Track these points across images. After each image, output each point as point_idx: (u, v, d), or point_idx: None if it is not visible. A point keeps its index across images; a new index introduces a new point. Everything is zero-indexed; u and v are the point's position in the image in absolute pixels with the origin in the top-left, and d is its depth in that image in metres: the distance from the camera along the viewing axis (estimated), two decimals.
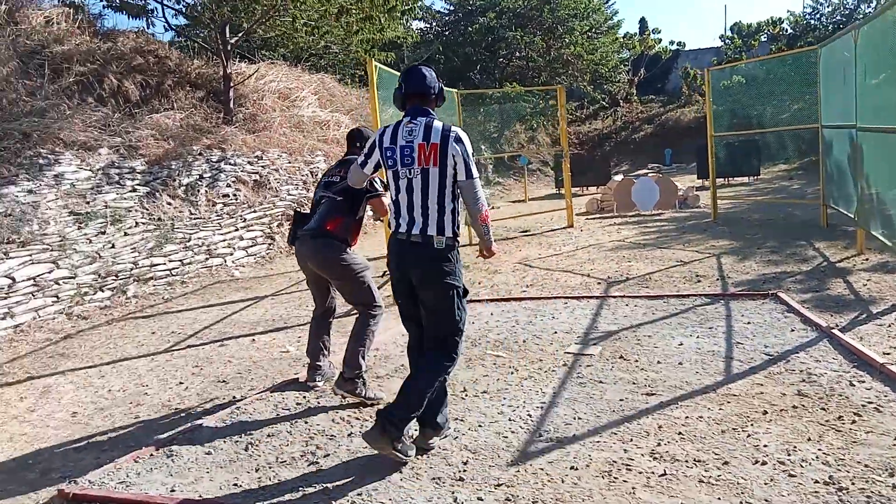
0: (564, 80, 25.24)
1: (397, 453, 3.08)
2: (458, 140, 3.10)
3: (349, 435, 3.55)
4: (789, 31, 26.86)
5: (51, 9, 10.31)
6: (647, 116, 26.97)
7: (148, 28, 11.59)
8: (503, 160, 21.96)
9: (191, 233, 8.56)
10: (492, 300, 6.42)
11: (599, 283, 6.79)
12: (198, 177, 9.14)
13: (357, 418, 3.78)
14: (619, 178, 13.86)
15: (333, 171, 4.13)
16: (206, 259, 8.73)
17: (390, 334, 5.36)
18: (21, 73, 8.52)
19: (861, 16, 24.07)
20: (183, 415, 4.07)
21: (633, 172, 21.71)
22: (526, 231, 11.14)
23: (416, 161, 3.10)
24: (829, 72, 8.33)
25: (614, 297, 6.13)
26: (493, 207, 15.85)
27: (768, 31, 27.19)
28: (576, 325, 5.35)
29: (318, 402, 4.05)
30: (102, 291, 7.13)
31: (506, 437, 3.39)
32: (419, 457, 3.23)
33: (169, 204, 8.53)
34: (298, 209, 4.22)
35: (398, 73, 8.50)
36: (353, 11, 11.25)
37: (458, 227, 3.20)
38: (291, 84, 14.42)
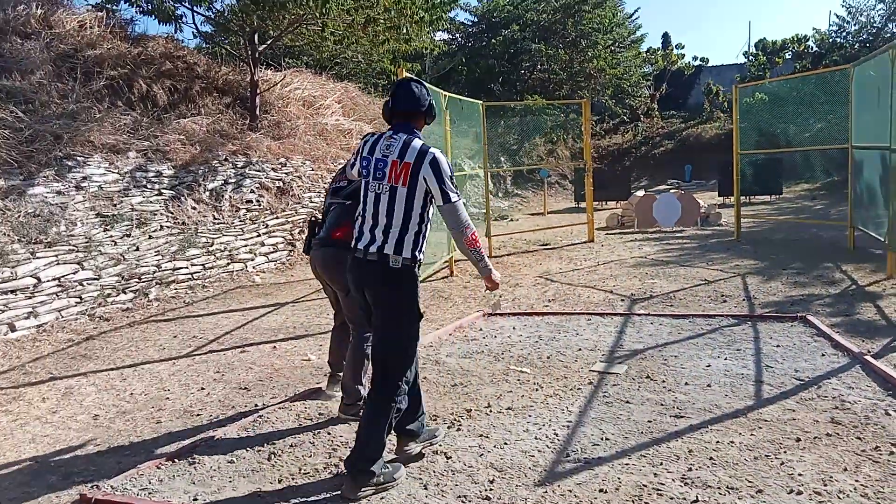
0: (586, 94, 25.20)
1: (382, 487, 3.03)
2: (434, 162, 2.97)
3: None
4: (814, 48, 26.63)
5: (85, 13, 10.46)
6: (667, 132, 26.82)
7: (177, 33, 11.69)
8: (522, 172, 21.95)
9: (214, 237, 8.60)
10: (514, 314, 6.37)
11: (623, 300, 6.71)
12: (222, 182, 9.20)
13: None
14: (640, 193, 13.77)
15: (340, 177, 4.10)
16: (228, 264, 8.76)
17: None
18: (54, 76, 8.64)
19: (889, 35, 23.80)
20: (205, 422, 4.05)
21: (652, 188, 21.59)
22: (546, 244, 11.08)
23: (387, 177, 3.03)
24: (862, 91, 8.23)
25: (639, 314, 6.05)
26: (511, 220, 15.81)
27: (793, 48, 26.98)
28: (600, 342, 5.28)
29: (340, 416, 4.02)
30: (125, 293, 7.17)
31: (532, 456, 3.34)
32: (443, 474, 3.18)
33: (194, 208, 8.58)
34: (315, 217, 4.18)
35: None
36: (381, 21, 11.30)
37: (419, 250, 3.09)
38: (316, 92, 14.53)
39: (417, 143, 3.05)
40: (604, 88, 25.28)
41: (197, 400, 4.44)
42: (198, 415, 4.16)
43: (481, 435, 3.62)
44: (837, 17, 27.21)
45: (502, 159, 22.46)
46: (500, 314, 6.37)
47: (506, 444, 3.50)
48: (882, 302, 5.99)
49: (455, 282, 8.23)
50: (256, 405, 4.26)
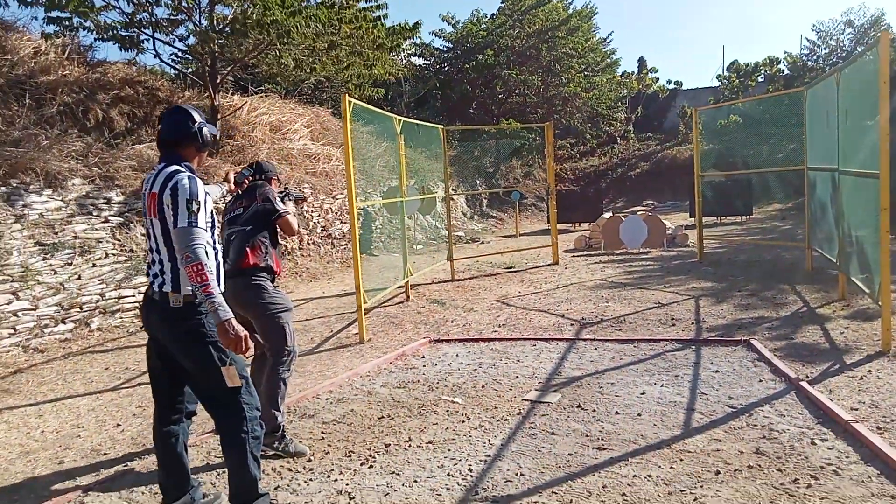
0: (561, 118, 25.37)
1: None
2: (174, 187, 2.73)
3: (276, 488, 3.34)
4: (786, 72, 27.02)
5: (39, 39, 10.36)
6: (643, 154, 27.03)
7: (138, 59, 11.61)
8: (498, 195, 21.95)
9: None
10: (460, 340, 6.23)
11: (573, 325, 6.60)
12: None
13: (289, 469, 3.57)
14: (607, 215, 13.74)
15: (235, 206, 3.99)
16: None
17: (346, 376, 5.18)
18: (1, 103, 8.50)
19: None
20: (111, 460, 3.86)
21: (628, 209, 21.64)
22: (510, 267, 10.97)
23: (147, 211, 2.86)
24: (815, 114, 8.25)
25: (584, 339, 5.93)
26: (482, 242, 15.73)
27: (765, 70, 27.36)
28: (540, 369, 5.15)
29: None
30: (64, 324, 6.96)
31: (439, 495, 3.18)
32: None
33: (143, 236, 8.40)
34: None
35: (377, 109, 8.43)
36: (343, 46, 11.29)
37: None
38: (284, 117, 14.46)
39: (168, 170, 2.82)
40: (579, 112, 25.46)
41: (109, 437, 4.24)
42: (105, 454, 3.96)
43: (393, 472, 3.46)
44: (808, 40, 27.76)
45: (478, 181, 22.49)
46: (446, 340, 6.23)
47: (416, 481, 3.34)
48: (829, 324, 5.91)
49: (410, 307, 8.09)
50: None
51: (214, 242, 2.91)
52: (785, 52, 28.83)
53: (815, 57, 27.25)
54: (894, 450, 3.28)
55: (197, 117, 2.95)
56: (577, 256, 11.90)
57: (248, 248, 3.79)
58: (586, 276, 9.52)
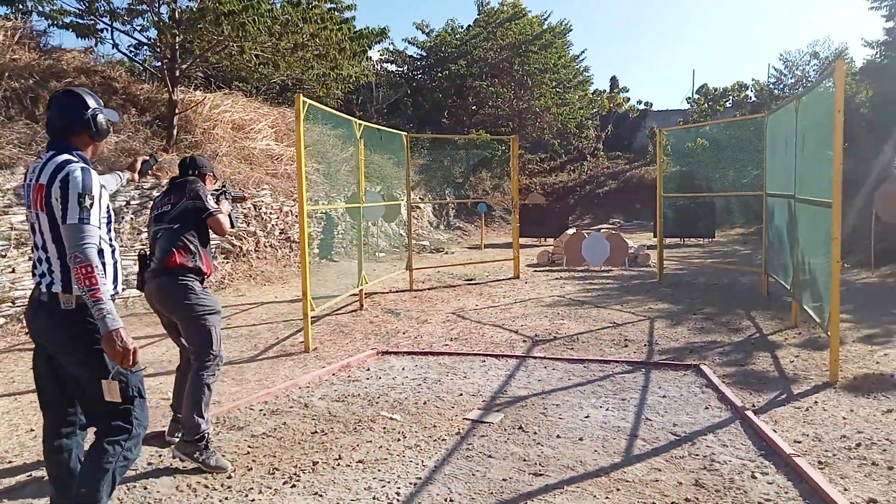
0: (532, 132, 25.45)
1: None
2: (65, 180, 2.48)
3: None
4: (753, 98, 27.56)
5: None
6: (612, 172, 27.25)
7: (96, 48, 11.25)
8: (466, 206, 21.87)
9: None
10: (408, 353, 6.05)
11: (525, 341, 6.47)
12: (124, 203, 8.70)
13: (206, 486, 3.34)
14: (570, 231, 13.72)
15: (163, 202, 3.77)
16: (125, 289, 8.23)
17: (284, 386, 4.95)
18: None
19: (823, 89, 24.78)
20: (15, 468, 3.58)
21: (594, 226, 21.73)
22: (471, 280, 10.84)
23: (33, 204, 2.59)
24: (775, 140, 8.30)
25: (535, 357, 5.80)
26: (447, 252, 15.59)
27: (734, 95, 27.88)
28: (485, 386, 4.99)
29: (173, 462, 3.61)
30: None
31: None
32: None
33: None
34: (144, 251, 3.79)
35: (335, 112, 8.23)
36: (310, 47, 11.09)
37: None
38: (248, 115, 14.15)
39: (59, 159, 2.56)
40: (550, 127, 25.56)
41: (18, 444, 3.95)
42: (10, 462, 3.68)
43: (316, 493, 3.26)
44: (775, 69, 28.36)
45: (447, 191, 22.37)
46: (394, 353, 6.04)
47: None
48: (780, 352, 5.87)
49: (363, 316, 7.88)
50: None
51: (111, 240, 2.68)
52: (753, 80, 29.42)
53: (781, 86, 27.85)
54: (833, 486, 3.19)
55: (91, 102, 2.69)
56: (539, 271, 11.82)
57: (174, 248, 3.57)
58: (545, 292, 9.43)
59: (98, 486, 2.55)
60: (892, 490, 3.23)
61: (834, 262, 4.85)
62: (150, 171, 3.59)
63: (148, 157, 3.55)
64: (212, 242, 9.84)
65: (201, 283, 3.67)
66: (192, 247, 3.62)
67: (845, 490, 3.23)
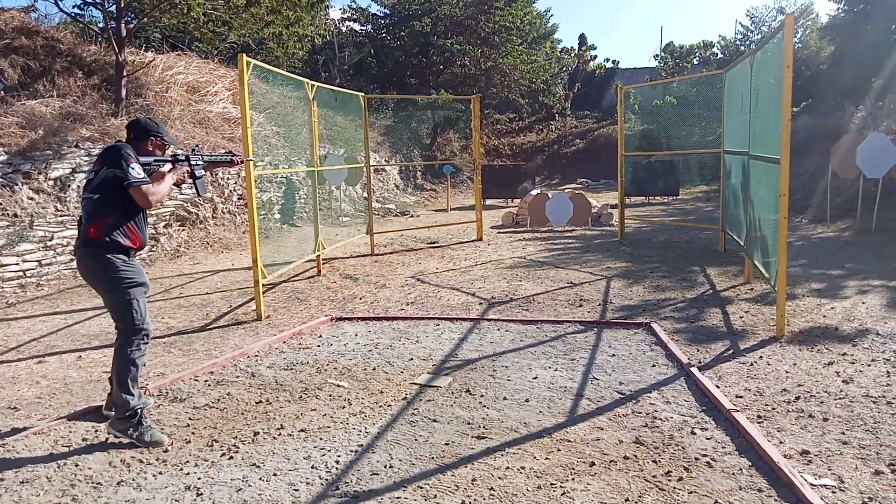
0: (499, 91, 25.15)
1: None
2: None
3: (118, 483, 3.04)
4: (720, 55, 27.54)
5: None
6: (579, 131, 27.16)
7: (37, 7, 10.70)
8: (433, 167, 21.66)
9: (55, 231, 7.82)
10: (362, 319, 5.98)
11: (481, 304, 6.44)
12: (71, 170, 8.39)
13: (140, 461, 3.26)
14: (534, 192, 13.67)
15: (92, 168, 3.56)
16: (71, 260, 7.99)
17: (231, 356, 4.86)
18: None
19: None
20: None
21: (561, 186, 21.73)
22: (434, 243, 10.77)
23: None
24: (732, 97, 8.27)
25: (489, 319, 5.78)
26: (412, 216, 15.46)
27: (700, 53, 27.82)
28: (437, 350, 4.96)
29: (109, 438, 3.51)
30: None
31: (296, 490, 2.95)
32: None
33: (31, 199, 7.77)
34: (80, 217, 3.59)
35: (281, 71, 7.96)
36: (263, 3, 10.69)
37: None
38: (203, 77, 13.69)
39: None
40: (517, 86, 25.29)
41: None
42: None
43: (254, 464, 3.20)
44: (742, 25, 28.33)
45: (414, 153, 22.10)
46: (348, 319, 5.97)
47: (275, 475, 3.10)
48: (731, 307, 5.94)
49: (320, 282, 7.78)
50: (14, 428, 3.69)
51: None
52: (720, 36, 29.36)
53: (748, 42, 27.84)
54: (768, 441, 3.23)
55: None
56: (503, 233, 11.79)
57: (92, 220, 3.39)
58: (506, 254, 9.40)
59: None
60: (826, 441, 3.29)
61: (781, 217, 4.87)
62: None
63: None
64: (164, 209, 9.55)
65: (126, 254, 3.50)
66: (110, 220, 3.41)
67: (780, 443, 3.28)
